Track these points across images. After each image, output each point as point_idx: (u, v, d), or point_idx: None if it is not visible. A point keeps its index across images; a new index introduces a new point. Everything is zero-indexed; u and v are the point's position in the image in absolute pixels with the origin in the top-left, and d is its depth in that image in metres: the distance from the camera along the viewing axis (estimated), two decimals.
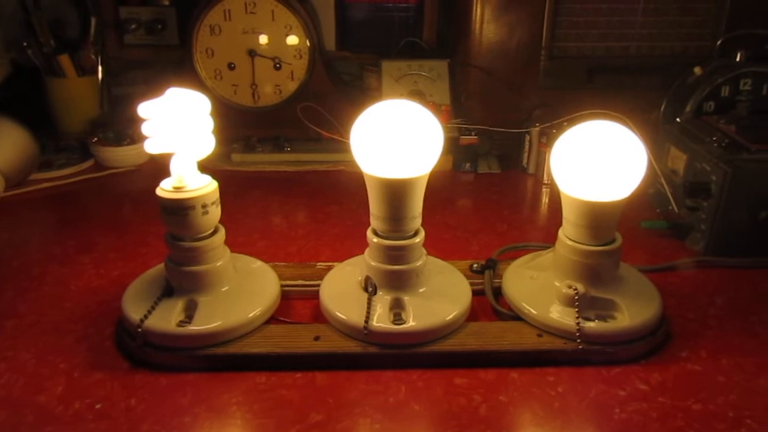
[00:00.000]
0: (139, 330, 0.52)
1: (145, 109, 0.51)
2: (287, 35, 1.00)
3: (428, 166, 0.52)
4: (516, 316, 0.57)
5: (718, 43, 0.93)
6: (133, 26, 1.07)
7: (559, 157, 0.54)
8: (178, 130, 0.51)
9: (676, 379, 0.51)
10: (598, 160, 0.52)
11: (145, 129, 0.51)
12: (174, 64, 1.05)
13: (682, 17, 0.95)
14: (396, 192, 0.52)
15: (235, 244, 0.59)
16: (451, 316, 0.54)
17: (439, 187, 0.91)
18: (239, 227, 0.77)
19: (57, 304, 0.61)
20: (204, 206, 0.52)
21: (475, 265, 0.65)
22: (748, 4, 0.94)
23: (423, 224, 0.56)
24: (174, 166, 0.52)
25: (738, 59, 0.85)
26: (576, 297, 0.54)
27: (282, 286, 0.60)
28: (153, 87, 0.58)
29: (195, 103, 0.52)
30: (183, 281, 0.55)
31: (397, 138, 0.50)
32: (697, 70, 0.87)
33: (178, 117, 0.51)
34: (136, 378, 0.51)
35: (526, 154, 0.96)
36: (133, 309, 0.54)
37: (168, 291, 0.55)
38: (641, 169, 0.53)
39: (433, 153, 0.52)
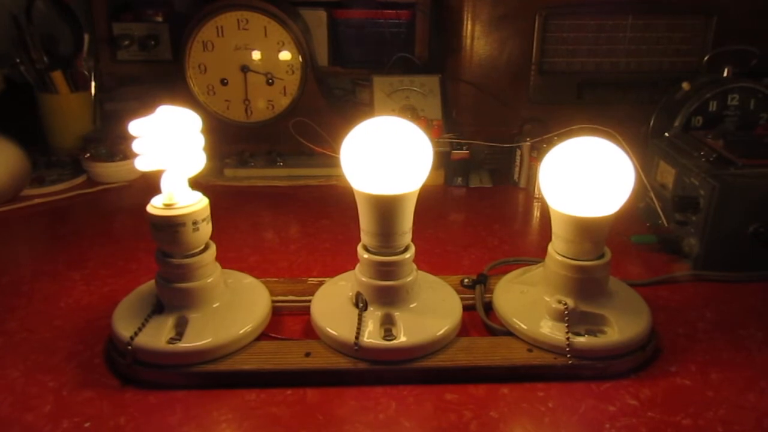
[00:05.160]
0: (129, 347, 0.52)
1: (135, 126, 0.51)
2: (280, 51, 1.01)
3: (418, 182, 0.53)
4: (506, 331, 0.57)
5: (706, 58, 0.94)
6: (126, 42, 1.08)
7: (547, 173, 0.55)
8: (168, 147, 0.51)
9: (665, 394, 0.51)
10: (586, 176, 0.52)
11: (135, 146, 0.52)
12: (167, 79, 1.06)
13: (669, 33, 0.96)
14: (386, 208, 0.53)
15: (226, 259, 0.59)
16: (441, 332, 0.54)
17: (431, 201, 0.91)
18: (231, 242, 0.77)
19: (46, 321, 0.60)
20: (194, 223, 0.52)
21: (466, 280, 0.65)
22: (735, 20, 0.95)
23: (414, 239, 0.56)
24: (164, 183, 0.53)
25: (725, 75, 0.87)
26: (566, 312, 0.55)
27: (273, 301, 0.60)
28: (146, 103, 0.58)
29: (186, 121, 0.52)
30: (173, 298, 0.55)
31: (386, 155, 0.51)
32: (685, 85, 0.88)
33: (169, 134, 0.51)
34: (126, 396, 0.50)
35: (517, 169, 0.96)
36: (123, 326, 0.54)
37: (158, 308, 0.55)
38: (629, 184, 0.53)
39: (422, 169, 0.52)
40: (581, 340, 0.54)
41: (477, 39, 0.97)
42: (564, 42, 0.97)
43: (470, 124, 1.01)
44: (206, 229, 0.54)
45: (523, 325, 0.56)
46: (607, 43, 0.97)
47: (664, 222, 0.76)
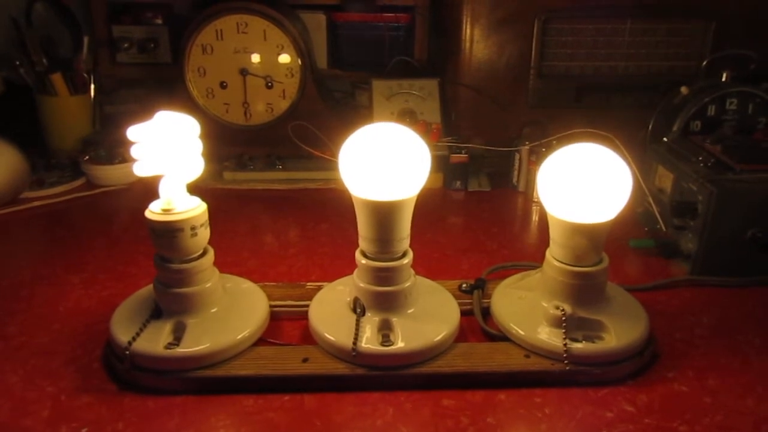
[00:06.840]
0: (127, 352, 0.52)
1: (134, 132, 0.51)
2: (279, 54, 1.01)
3: (415, 188, 0.53)
4: (504, 337, 0.58)
5: (704, 63, 0.94)
6: (125, 45, 1.08)
7: (545, 180, 0.55)
8: (166, 153, 0.52)
9: (662, 401, 0.51)
10: (584, 183, 0.52)
11: (134, 152, 0.52)
12: (166, 82, 1.06)
13: (668, 38, 0.97)
14: (383, 214, 0.53)
15: (225, 263, 0.59)
16: (439, 337, 0.54)
17: (430, 205, 0.91)
18: (230, 246, 0.77)
19: (45, 326, 0.60)
20: (193, 228, 0.53)
21: (464, 285, 0.65)
22: (733, 25, 0.95)
23: (412, 243, 0.56)
24: (163, 188, 0.53)
25: (724, 79, 0.87)
26: (563, 318, 0.55)
27: (271, 306, 0.60)
28: (145, 105, 0.58)
29: (184, 126, 0.52)
30: (171, 303, 0.55)
31: (384, 161, 0.51)
32: (684, 89, 0.88)
33: (167, 140, 0.51)
34: (124, 401, 0.50)
35: (516, 172, 0.96)
36: (121, 331, 0.54)
37: (156, 313, 0.55)
38: (627, 191, 0.53)
39: (420, 176, 0.52)
40: (579, 345, 0.54)
41: (476, 42, 0.97)
42: (563, 46, 0.97)
43: (469, 128, 1.01)
44: (204, 234, 0.54)
45: (520, 331, 0.56)
46: (606, 47, 0.97)
47: (663, 227, 0.76)
